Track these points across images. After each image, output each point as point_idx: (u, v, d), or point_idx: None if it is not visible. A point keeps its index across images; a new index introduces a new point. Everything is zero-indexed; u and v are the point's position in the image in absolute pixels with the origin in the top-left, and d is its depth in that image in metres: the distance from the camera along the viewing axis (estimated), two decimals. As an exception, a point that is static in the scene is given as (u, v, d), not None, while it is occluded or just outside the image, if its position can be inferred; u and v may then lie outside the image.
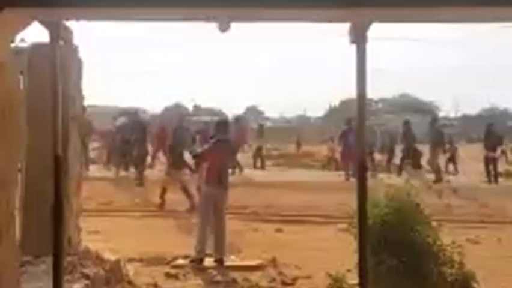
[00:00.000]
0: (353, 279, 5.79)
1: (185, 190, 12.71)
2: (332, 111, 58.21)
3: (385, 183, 9.21)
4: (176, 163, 13.27)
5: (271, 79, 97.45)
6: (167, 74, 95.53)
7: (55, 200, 3.60)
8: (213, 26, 3.50)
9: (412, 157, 16.28)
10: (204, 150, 9.02)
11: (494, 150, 18.65)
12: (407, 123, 19.04)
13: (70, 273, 5.96)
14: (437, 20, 3.71)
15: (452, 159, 21.84)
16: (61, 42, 3.64)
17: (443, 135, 19.11)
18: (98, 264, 6.59)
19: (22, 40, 6.71)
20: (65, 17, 3.58)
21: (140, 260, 8.25)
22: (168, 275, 7.75)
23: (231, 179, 9.62)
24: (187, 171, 13.36)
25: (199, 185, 9.06)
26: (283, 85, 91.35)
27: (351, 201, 4.43)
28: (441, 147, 18.54)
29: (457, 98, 76.72)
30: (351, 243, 5.19)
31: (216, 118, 16.25)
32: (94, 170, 18.79)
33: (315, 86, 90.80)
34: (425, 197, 7.07)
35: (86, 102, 8.69)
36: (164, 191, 13.06)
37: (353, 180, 17.22)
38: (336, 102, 61.83)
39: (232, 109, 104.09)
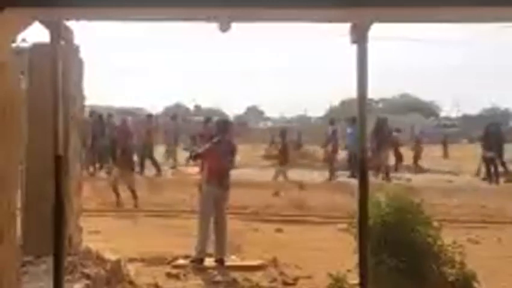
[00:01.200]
0: (354, 279, 5.79)
1: (132, 191, 13.39)
2: (332, 111, 58.06)
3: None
4: (126, 163, 13.74)
5: (271, 79, 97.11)
6: (168, 73, 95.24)
7: (56, 200, 3.60)
8: (213, 26, 3.50)
9: (281, 154, 16.94)
10: (205, 150, 9.01)
11: (493, 150, 18.76)
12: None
13: (71, 273, 5.97)
14: (437, 20, 3.71)
15: (416, 158, 23.09)
16: (62, 42, 3.65)
17: (389, 136, 19.98)
18: (99, 264, 6.59)
19: (23, 40, 6.74)
20: (65, 17, 3.59)
21: (141, 260, 8.25)
22: (169, 275, 7.75)
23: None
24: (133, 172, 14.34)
25: (200, 184, 9.05)
26: (284, 85, 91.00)
27: (349, 201, 4.43)
28: (387, 148, 19.25)
29: (457, 98, 76.30)
30: (351, 243, 5.20)
31: (216, 118, 16.25)
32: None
33: (316, 86, 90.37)
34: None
35: (86, 102, 8.69)
36: (132, 192, 13.37)
37: (340, 180, 17.81)
38: (336, 102, 61.82)
39: (233, 109, 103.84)
